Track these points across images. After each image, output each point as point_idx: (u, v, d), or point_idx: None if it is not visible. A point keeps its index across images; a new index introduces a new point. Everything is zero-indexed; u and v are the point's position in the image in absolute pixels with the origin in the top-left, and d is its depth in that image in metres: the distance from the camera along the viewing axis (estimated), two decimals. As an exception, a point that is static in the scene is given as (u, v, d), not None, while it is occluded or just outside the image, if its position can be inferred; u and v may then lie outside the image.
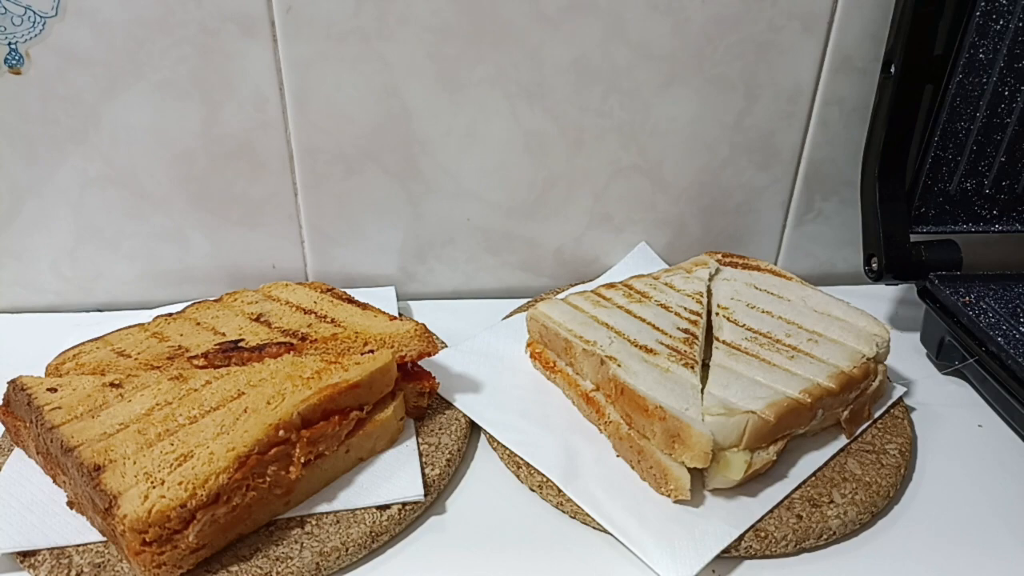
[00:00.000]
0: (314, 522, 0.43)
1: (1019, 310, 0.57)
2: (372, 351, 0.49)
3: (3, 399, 0.47)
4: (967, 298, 0.58)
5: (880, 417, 0.53)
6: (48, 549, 0.40)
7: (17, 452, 0.47)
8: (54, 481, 0.44)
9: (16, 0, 0.53)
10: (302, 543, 0.41)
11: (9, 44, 0.54)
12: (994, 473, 0.50)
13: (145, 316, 0.56)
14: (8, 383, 0.46)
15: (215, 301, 0.56)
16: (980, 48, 0.56)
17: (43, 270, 0.64)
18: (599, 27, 0.59)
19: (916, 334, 0.62)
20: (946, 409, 0.56)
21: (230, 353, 0.48)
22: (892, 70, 0.57)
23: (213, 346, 0.49)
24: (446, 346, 0.59)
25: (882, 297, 0.69)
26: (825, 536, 0.45)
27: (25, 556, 0.40)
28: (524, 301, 0.67)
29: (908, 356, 0.61)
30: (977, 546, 0.45)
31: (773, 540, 0.44)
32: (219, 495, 0.38)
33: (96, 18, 0.55)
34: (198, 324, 0.52)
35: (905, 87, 0.57)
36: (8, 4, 0.53)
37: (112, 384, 0.45)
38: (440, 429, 0.50)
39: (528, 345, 0.57)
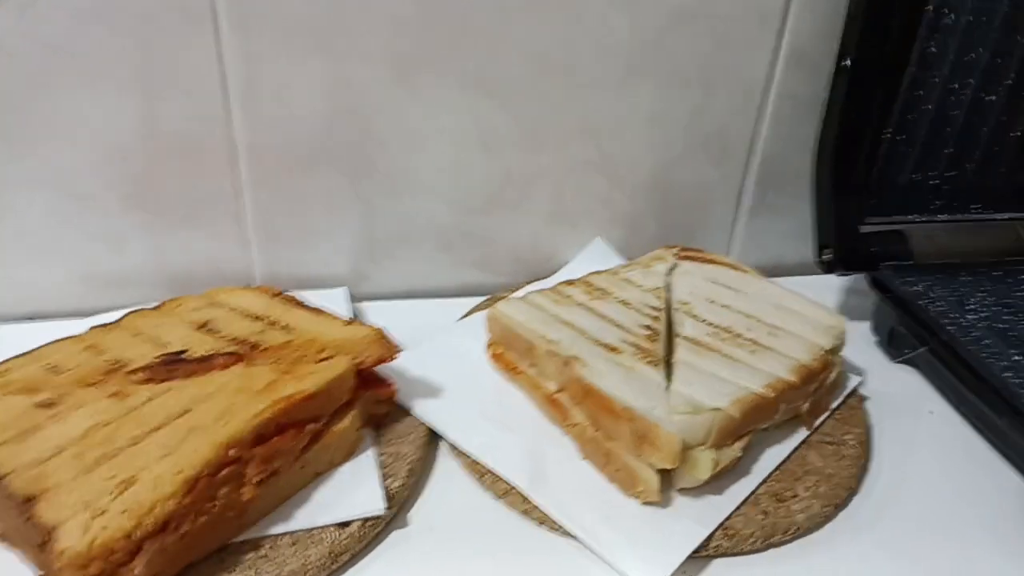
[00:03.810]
0: (269, 545, 0.41)
1: (966, 299, 0.58)
2: (327, 358, 0.47)
3: (-78, 423, 0.43)
4: (916, 288, 0.59)
5: (838, 408, 0.53)
6: (-23, 587, 0.38)
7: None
8: (-18, 512, 0.41)
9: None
10: (257, 568, 0.39)
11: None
12: (947, 458, 0.51)
13: (78, 327, 0.52)
14: (-73, 406, 0.43)
15: (155, 309, 0.53)
16: (931, 42, 0.56)
17: (-34, 278, 0.60)
18: (557, 21, 0.58)
19: (865, 323, 0.63)
20: (899, 397, 0.57)
21: (173, 366, 0.45)
22: (846, 64, 0.57)
23: (154, 358, 0.46)
24: (401, 349, 0.57)
25: (830, 287, 0.69)
26: (792, 530, 0.45)
27: (-49, 596, 0.38)
28: (480, 299, 0.65)
29: (859, 345, 0.61)
30: (938, 530, 0.46)
31: (741, 537, 0.44)
32: (167, 523, 0.36)
33: (28, 5, 0.51)
34: (137, 335, 0.49)
35: (859, 80, 0.57)
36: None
37: (44, 404, 0.42)
38: (399, 438, 0.49)
39: (489, 346, 0.56)
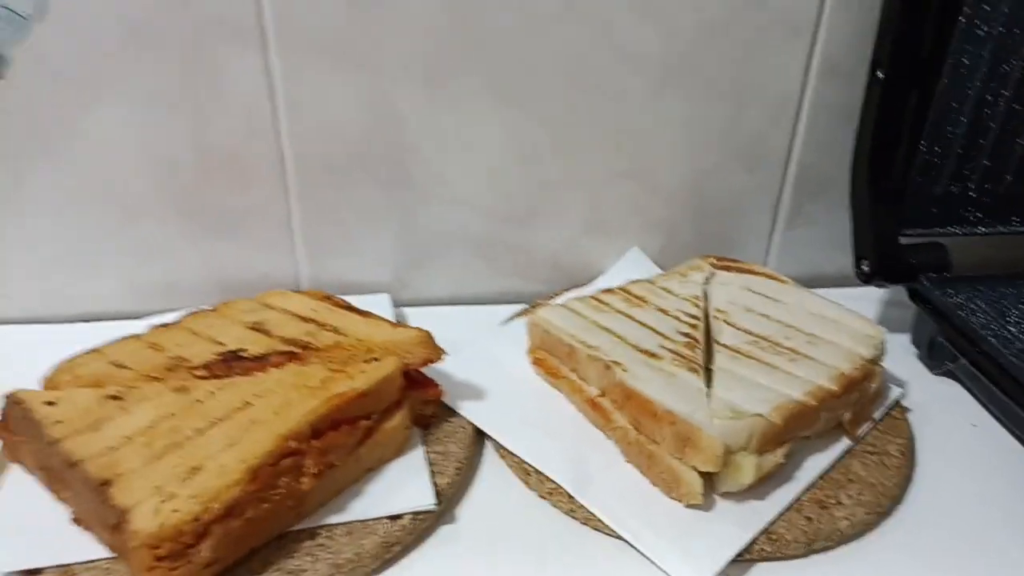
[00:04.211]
0: (326, 533, 0.42)
1: (1007, 310, 0.58)
2: (376, 359, 0.48)
3: (0, 414, 0.45)
4: (957, 299, 0.59)
5: (880, 419, 0.54)
6: (54, 567, 0.39)
7: (15, 469, 0.45)
8: (56, 497, 0.43)
9: None
10: (315, 555, 0.41)
11: (-9, 49, 0.53)
12: (991, 472, 0.51)
13: (134, 327, 0.54)
14: (4, 397, 0.45)
15: (210, 310, 0.55)
16: (964, 53, 0.57)
17: (26, 281, 0.62)
18: (589, 34, 0.60)
19: (905, 335, 0.63)
20: (940, 409, 0.57)
21: (232, 363, 0.47)
22: (879, 75, 0.58)
23: (214, 356, 0.48)
24: (446, 352, 0.58)
25: (869, 298, 0.70)
26: (835, 537, 0.45)
27: (30, 575, 0.39)
28: (519, 307, 0.66)
29: (899, 357, 0.62)
30: (981, 543, 0.46)
31: (785, 542, 0.44)
32: (232, 508, 0.37)
33: (80, 25, 0.53)
34: (195, 334, 0.51)
35: (892, 92, 0.58)
36: (-10, 8, 0.52)
37: (112, 396, 0.43)
38: (447, 437, 0.50)
39: (530, 351, 0.57)
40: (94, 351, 0.49)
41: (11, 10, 0.50)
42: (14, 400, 0.44)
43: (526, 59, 0.60)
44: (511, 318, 0.64)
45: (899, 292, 0.64)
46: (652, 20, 0.60)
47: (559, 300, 0.59)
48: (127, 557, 0.38)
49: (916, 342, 0.62)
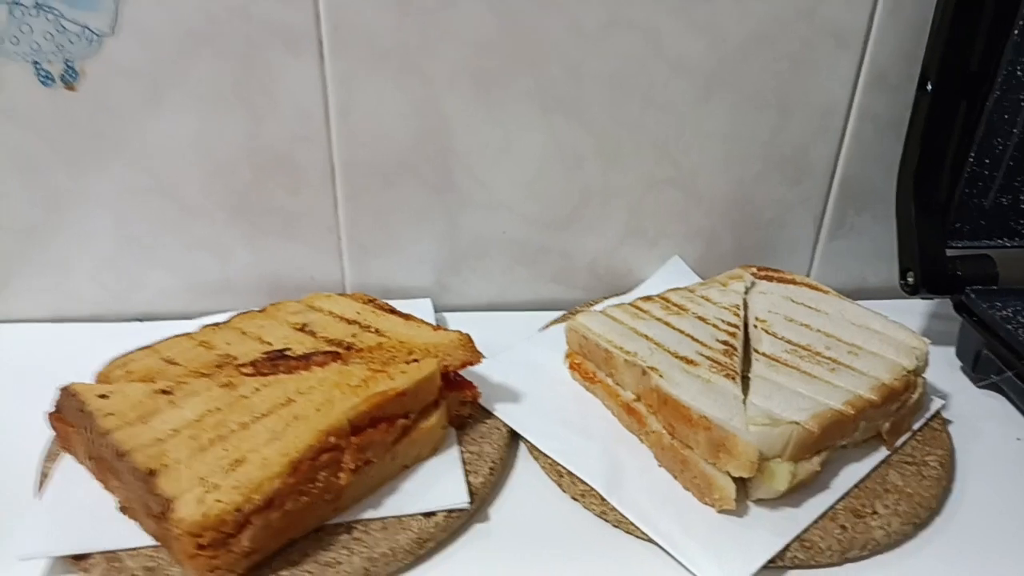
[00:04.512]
0: (362, 528, 0.43)
1: (1057, 324, 0.57)
2: (416, 360, 0.49)
3: (55, 405, 0.48)
4: (1004, 312, 0.58)
5: (919, 430, 0.53)
6: (101, 553, 0.41)
7: (66, 458, 0.47)
8: (104, 487, 0.45)
9: (74, 19, 0.54)
10: (351, 548, 0.42)
11: (66, 61, 0.56)
12: (1035, 486, 0.50)
13: (186, 326, 0.57)
14: (60, 389, 0.47)
15: (259, 312, 0.57)
16: (1018, 65, 0.56)
17: (84, 280, 0.65)
18: (637, 43, 0.60)
19: (949, 348, 0.62)
20: (983, 422, 0.56)
21: (277, 362, 0.49)
22: (928, 86, 0.57)
23: (260, 355, 0.50)
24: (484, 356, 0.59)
25: (913, 311, 0.69)
26: (870, 547, 0.45)
27: (78, 560, 0.41)
28: (558, 314, 0.67)
29: (942, 369, 0.61)
30: (1021, 558, 0.45)
31: (818, 550, 0.44)
32: (273, 500, 0.39)
33: (147, 33, 0.56)
34: (244, 333, 0.53)
35: (941, 103, 0.57)
36: (66, 23, 0.54)
37: (163, 391, 0.45)
38: (482, 438, 0.51)
39: (567, 356, 0.58)
40: (147, 348, 0.52)
41: (88, 28, 0.53)
42: (69, 392, 0.46)
43: (573, 67, 0.61)
44: (549, 324, 0.65)
45: (943, 305, 0.63)
46: (699, 30, 0.60)
47: (598, 308, 0.59)
48: (170, 545, 0.39)
49: (960, 355, 0.61)
